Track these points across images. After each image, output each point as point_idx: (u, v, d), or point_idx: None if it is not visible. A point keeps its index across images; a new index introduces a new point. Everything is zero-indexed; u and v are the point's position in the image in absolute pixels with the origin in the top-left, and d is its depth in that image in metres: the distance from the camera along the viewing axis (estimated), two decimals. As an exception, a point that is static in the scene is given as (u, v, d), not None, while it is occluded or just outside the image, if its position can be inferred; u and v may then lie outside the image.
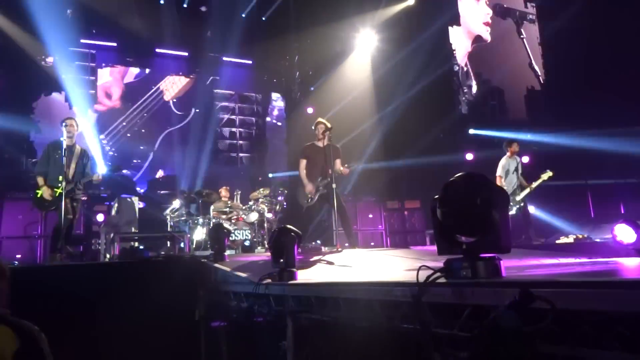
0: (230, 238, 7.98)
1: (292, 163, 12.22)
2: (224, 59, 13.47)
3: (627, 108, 9.99)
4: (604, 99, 10.56)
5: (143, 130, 12.83)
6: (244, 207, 9.19)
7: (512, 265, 2.79)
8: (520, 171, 8.36)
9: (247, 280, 3.90)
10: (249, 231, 8.78)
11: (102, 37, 11.79)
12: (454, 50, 13.28)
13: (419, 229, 10.55)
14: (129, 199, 8.97)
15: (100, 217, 8.80)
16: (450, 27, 13.25)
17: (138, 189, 12.09)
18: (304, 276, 3.48)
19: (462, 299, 1.87)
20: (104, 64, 12.23)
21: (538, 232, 8.30)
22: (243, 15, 12.81)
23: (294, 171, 9.56)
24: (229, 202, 9.38)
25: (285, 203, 9.84)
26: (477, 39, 13.76)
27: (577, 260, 3.56)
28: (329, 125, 6.89)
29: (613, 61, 10.90)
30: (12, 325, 2.01)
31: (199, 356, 5.15)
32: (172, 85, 13.34)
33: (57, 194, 6.14)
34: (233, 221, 8.81)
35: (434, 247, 2.26)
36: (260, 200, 9.17)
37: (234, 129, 13.78)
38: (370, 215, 10.41)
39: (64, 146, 6.21)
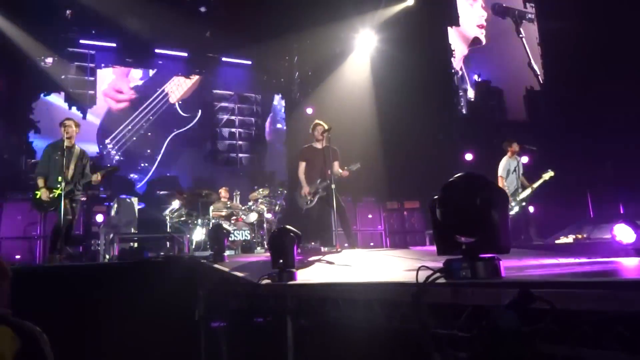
0: (230, 238, 7.99)
1: (291, 164, 12.22)
2: (223, 59, 13.47)
3: (627, 108, 10.00)
4: (603, 98, 10.57)
5: (149, 134, 12.81)
6: (243, 208, 9.20)
7: (512, 265, 2.79)
8: (521, 171, 8.36)
9: (247, 281, 3.90)
10: (249, 231, 8.78)
11: (101, 38, 11.79)
12: (453, 50, 13.29)
13: (418, 229, 10.56)
14: (128, 200, 8.97)
15: (99, 218, 8.80)
16: (449, 28, 13.26)
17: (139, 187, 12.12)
18: (303, 277, 3.48)
19: (462, 299, 1.87)
20: (103, 65, 12.22)
21: (538, 232, 8.30)
22: (242, 16, 12.79)
23: (293, 172, 9.57)
24: (229, 202, 9.38)
25: (284, 203, 9.85)
26: (473, 42, 13.78)
27: (577, 260, 3.57)
28: (326, 126, 6.88)
29: (613, 61, 10.90)
30: (14, 326, 2.01)
31: (199, 356, 5.15)
32: (178, 87, 13.31)
33: (56, 195, 6.14)
34: (232, 221, 8.81)
35: (434, 248, 2.26)
36: (260, 200, 9.17)
37: (233, 130, 13.78)
38: (370, 216, 10.42)
39: (64, 147, 6.20)
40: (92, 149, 10.91)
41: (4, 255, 7.52)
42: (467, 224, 1.98)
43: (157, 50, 12.63)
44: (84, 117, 11.29)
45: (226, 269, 4.65)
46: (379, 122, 12.03)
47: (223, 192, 9.46)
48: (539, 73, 14.15)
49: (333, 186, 6.42)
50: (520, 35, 14.38)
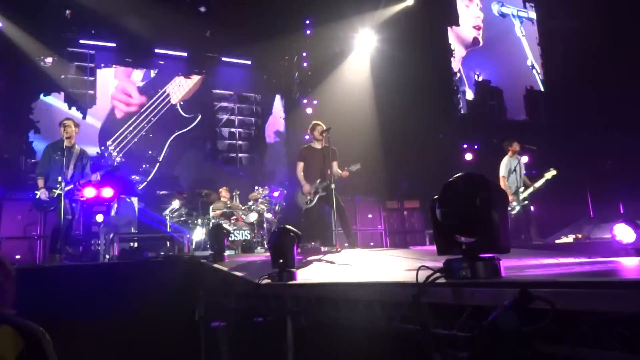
0: (230, 238, 7.98)
1: (291, 164, 12.22)
2: (223, 59, 13.46)
3: (627, 107, 10.00)
4: (603, 98, 10.57)
5: (150, 135, 12.80)
6: (243, 208, 9.20)
7: (512, 265, 2.79)
8: (523, 170, 8.36)
9: (247, 281, 3.90)
10: (249, 231, 8.78)
11: (101, 38, 11.77)
12: (453, 50, 13.30)
13: (418, 229, 10.55)
14: (128, 200, 8.96)
15: (99, 218, 8.80)
16: (453, 28, 13.29)
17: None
18: (303, 276, 3.48)
19: (462, 299, 1.87)
20: (102, 65, 12.19)
21: (538, 232, 8.30)
22: (242, 16, 12.79)
23: (293, 172, 9.57)
24: (229, 202, 9.38)
25: (284, 203, 9.85)
26: (470, 44, 13.80)
27: (577, 260, 3.57)
28: (324, 126, 6.89)
29: (612, 61, 10.91)
30: (17, 327, 2.01)
31: (199, 356, 5.15)
32: (179, 88, 13.29)
33: (55, 195, 6.14)
34: (232, 221, 8.81)
35: (434, 247, 2.26)
36: (260, 200, 9.17)
37: (233, 129, 13.76)
38: (370, 215, 10.41)
39: (63, 147, 6.20)
40: (93, 150, 10.89)
41: (4, 255, 7.52)
42: (467, 224, 1.98)
43: (157, 50, 12.61)
44: (84, 117, 11.28)
45: (226, 269, 4.65)
46: (379, 121, 12.03)
47: (224, 192, 9.47)
48: (539, 71, 14.17)
49: (333, 186, 6.42)
50: (522, 34, 14.41)
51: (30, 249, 7.93)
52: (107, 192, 8.20)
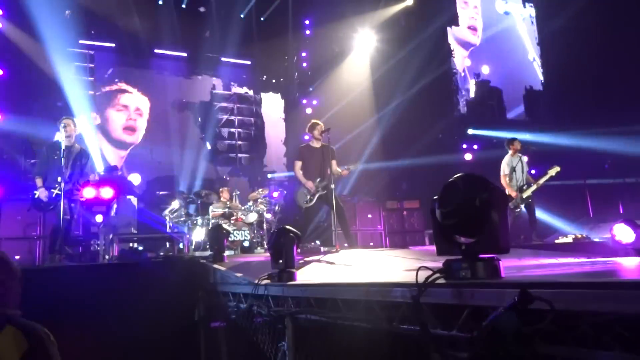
0: (230, 239, 7.99)
1: (291, 164, 12.23)
2: (223, 59, 13.47)
3: (626, 107, 10.01)
4: (603, 98, 10.58)
5: (151, 135, 12.85)
6: (243, 208, 9.20)
7: (512, 265, 2.79)
8: (526, 168, 8.37)
9: (247, 281, 3.90)
10: (248, 232, 8.78)
11: (100, 38, 11.78)
12: (453, 50, 13.32)
13: (418, 229, 10.55)
14: (127, 200, 8.96)
15: (99, 218, 8.78)
16: (448, 28, 13.30)
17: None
18: (303, 277, 3.48)
19: (462, 299, 1.87)
20: (102, 64, 12.17)
21: (538, 232, 8.30)
22: (242, 16, 12.81)
23: (292, 172, 9.58)
24: (228, 202, 9.38)
25: (284, 203, 9.85)
26: (467, 44, 13.84)
27: (576, 260, 3.57)
28: (323, 126, 6.91)
29: (612, 60, 10.91)
30: (22, 327, 2.01)
31: (199, 356, 5.15)
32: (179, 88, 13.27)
33: (53, 195, 6.13)
34: (232, 222, 8.81)
35: (433, 247, 2.26)
36: (259, 200, 9.17)
37: (232, 130, 13.77)
38: (370, 216, 10.41)
39: (62, 147, 6.18)
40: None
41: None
42: (466, 225, 1.98)
43: (156, 50, 12.62)
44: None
45: (226, 269, 4.65)
46: (379, 121, 12.05)
47: (225, 192, 9.46)
48: (539, 63, 14.20)
49: (332, 186, 6.43)
50: (522, 31, 14.46)
51: (29, 250, 7.92)
52: (107, 193, 8.19)
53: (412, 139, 11.13)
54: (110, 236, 7.84)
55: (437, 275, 1.98)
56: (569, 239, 7.93)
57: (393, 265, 4.27)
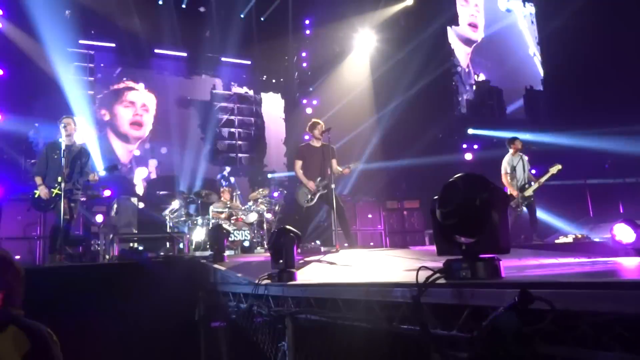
0: (230, 238, 7.99)
1: (291, 163, 12.23)
2: (223, 59, 13.47)
3: (626, 107, 10.01)
4: (603, 98, 10.58)
5: (151, 135, 12.89)
6: (243, 208, 9.20)
7: (512, 265, 2.79)
8: (527, 167, 8.38)
9: (247, 281, 3.90)
10: (248, 232, 8.78)
11: (100, 38, 11.78)
12: (454, 50, 13.33)
13: (418, 229, 10.55)
14: (128, 200, 8.96)
15: (99, 218, 8.79)
16: (449, 28, 13.31)
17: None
18: (303, 277, 3.48)
19: (462, 299, 1.87)
20: (102, 65, 12.17)
21: (538, 232, 8.30)
22: (242, 16, 12.82)
23: (292, 171, 9.58)
24: (228, 202, 9.38)
25: (284, 203, 9.85)
26: (469, 41, 13.88)
27: (577, 260, 3.57)
28: (324, 125, 6.91)
29: (612, 60, 10.91)
30: (24, 327, 2.01)
31: (199, 356, 5.15)
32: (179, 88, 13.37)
33: (53, 194, 6.11)
34: (232, 222, 8.81)
35: (433, 247, 2.26)
36: (260, 200, 9.17)
37: (233, 130, 13.77)
38: (370, 216, 10.41)
39: (63, 146, 6.16)
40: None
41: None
42: (467, 225, 1.98)
43: (156, 50, 12.62)
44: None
45: (226, 269, 4.65)
46: (379, 121, 12.05)
47: (226, 193, 9.45)
48: (540, 59, 14.24)
49: (333, 186, 6.43)
50: (523, 26, 14.49)
51: (30, 250, 7.93)
52: (105, 192, 8.21)
53: (412, 139, 11.13)
54: (111, 236, 7.84)
55: (438, 275, 1.98)
56: (569, 239, 7.93)
57: (393, 265, 4.27)
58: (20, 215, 7.92)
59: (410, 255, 5.01)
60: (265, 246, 8.22)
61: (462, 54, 13.64)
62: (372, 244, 10.08)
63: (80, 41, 11.31)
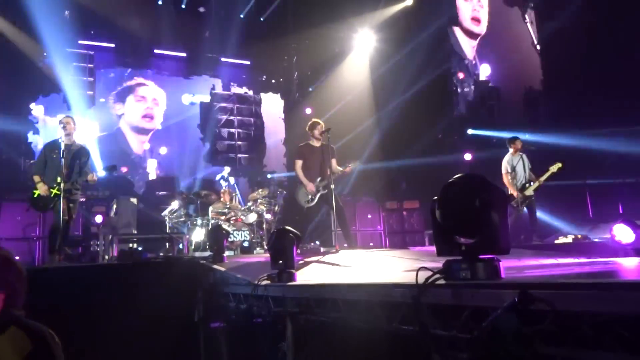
0: (229, 239, 7.98)
1: (291, 164, 12.23)
2: (223, 59, 13.47)
3: (626, 107, 10.01)
4: (602, 98, 10.58)
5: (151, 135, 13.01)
6: (242, 208, 9.19)
7: (511, 265, 2.79)
8: (528, 166, 8.38)
9: (246, 282, 3.90)
10: (248, 232, 8.77)
11: (100, 38, 11.77)
12: (460, 42, 13.42)
13: (417, 229, 10.55)
14: (127, 200, 8.95)
15: (98, 219, 8.78)
16: (454, 26, 13.42)
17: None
18: (303, 277, 3.48)
19: (462, 300, 1.87)
20: (102, 65, 12.18)
21: (538, 232, 8.30)
22: (242, 16, 12.81)
23: (292, 172, 9.57)
24: (228, 203, 9.37)
25: (283, 203, 9.85)
26: (472, 34, 13.96)
27: (576, 260, 3.57)
28: (324, 125, 6.90)
29: (612, 60, 10.91)
30: (26, 328, 2.00)
31: (199, 357, 5.14)
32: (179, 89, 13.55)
33: (52, 194, 6.09)
34: (232, 222, 8.80)
35: (433, 248, 2.26)
36: (259, 201, 9.16)
37: (232, 130, 13.76)
38: (369, 216, 10.41)
39: (62, 146, 6.14)
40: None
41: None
42: (466, 225, 1.98)
43: (155, 51, 12.62)
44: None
45: (225, 270, 4.65)
46: (378, 121, 12.05)
47: (226, 194, 9.44)
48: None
49: (332, 186, 6.42)
50: (526, 21, 14.53)
51: (29, 250, 7.92)
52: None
53: (412, 139, 11.13)
54: (110, 237, 7.84)
55: (437, 275, 1.98)
56: (569, 239, 7.92)
57: (393, 266, 4.27)
58: (20, 215, 7.91)
59: (409, 255, 5.01)
60: (265, 247, 8.21)
61: (468, 47, 13.77)
62: (371, 244, 10.07)
63: (80, 41, 11.30)
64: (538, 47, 14.41)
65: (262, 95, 14.32)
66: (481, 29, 14.06)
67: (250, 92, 14.23)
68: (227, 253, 5.66)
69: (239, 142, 13.75)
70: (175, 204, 9.09)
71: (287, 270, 3.38)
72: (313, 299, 2.96)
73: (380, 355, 2.61)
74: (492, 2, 14.31)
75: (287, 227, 3.55)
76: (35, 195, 6.17)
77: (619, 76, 10.56)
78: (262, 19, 13.08)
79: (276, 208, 9.59)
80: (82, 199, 8.02)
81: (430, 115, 11.73)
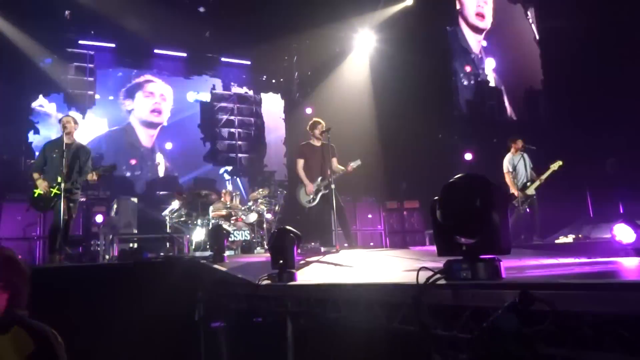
0: (230, 239, 7.98)
1: (291, 164, 12.22)
2: (223, 59, 13.46)
3: (626, 107, 10.00)
4: (602, 98, 10.57)
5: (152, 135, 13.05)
6: (243, 208, 9.19)
7: (512, 265, 2.79)
8: (530, 165, 8.38)
9: (247, 282, 3.89)
10: (248, 232, 8.77)
11: (100, 38, 11.77)
12: (466, 37, 13.48)
13: (418, 229, 10.55)
14: (128, 200, 8.95)
15: (99, 218, 8.79)
16: (459, 17, 13.51)
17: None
18: (303, 277, 3.48)
19: (462, 300, 1.87)
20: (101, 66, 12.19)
21: (539, 232, 8.29)
22: (241, 16, 12.80)
23: (292, 172, 9.56)
24: (228, 202, 9.37)
25: (283, 203, 9.84)
26: (477, 29, 14.06)
27: (577, 260, 3.57)
28: (324, 125, 6.90)
29: (612, 60, 10.90)
30: (29, 328, 2.00)
31: (199, 357, 5.14)
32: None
33: (52, 194, 6.07)
34: (232, 222, 8.80)
35: (433, 248, 2.26)
36: (260, 200, 9.16)
37: (232, 130, 13.77)
38: (370, 216, 10.41)
39: (63, 146, 6.12)
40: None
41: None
42: (467, 225, 1.98)
43: (156, 51, 12.62)
44: (83, 118, 11.28)
45: (226, 269, 4.65)
46: (378, 121, 12.03)
47: (227, 195, 9.44)
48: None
49: (333, 186, 6.42)
50: (528, 17, 14.58)
51: (29, 250, 7.92)
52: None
53: (412, 139, 11.12)
54: (110, 236, 7.84)
55: (438, 276, 1.98)
56: (569, 239, 7.91)
57: (393, 266, 4.27)
58: (20, 215, 7.91)
59: (410, 255, 5.01)
60: (265, 246, 8.21)
61: (474, 42, 13.97)
62: (372, 244, 10.07)
63: (80, 41, 11.30)
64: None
65: (263, 95, 14.32)
66: (486, 24, 14.23)
67: (251, 92, 14.22)
68: (227, 253, 5.66)
69: (240, 142, 13.75)
70: (175, 204, 9.09)
71: (287, 270, 3.38)
72: (313, 299, 2.96)
73: (380, 355, 2.61)
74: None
75: (288, 227, 3.55)
76: (36, 195, 6.15)
77: (619, 76, 10.55)
78: (262, 19, 13.06)
79: (276, 208, 9.59)
80: (83, 199, 8.02)
81: (430, 115, 11.72)
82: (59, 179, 5.99)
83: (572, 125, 10.82)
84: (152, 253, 7.83)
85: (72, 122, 6.43)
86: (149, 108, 13.25)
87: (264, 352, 3.75)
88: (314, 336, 3.13)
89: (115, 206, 8.78)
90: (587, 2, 11.04)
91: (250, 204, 9.18)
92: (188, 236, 8.45)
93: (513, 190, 8.12)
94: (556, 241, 8.02)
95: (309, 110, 13.12)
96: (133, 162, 12.37)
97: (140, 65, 12.79)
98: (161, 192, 11.64)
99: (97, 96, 12.05)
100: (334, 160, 6.77)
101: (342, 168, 6.76)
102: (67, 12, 10.56)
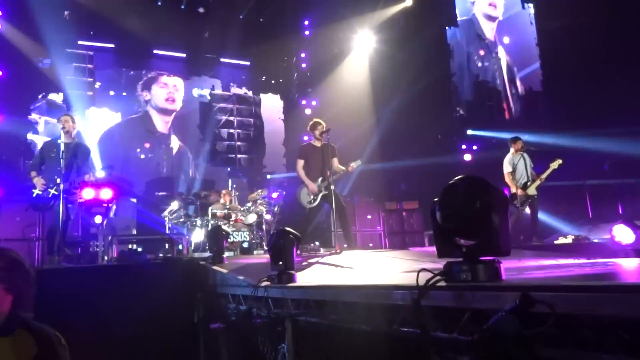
0: (229, 240, 7.96)
1: (290, 164, 12.23)
2: (222, 60, 13.46)
3: (626, 107, 10.01)
4: (602, 98, 10.58)
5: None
6: (242, 209, 9.18)
7: (512, 266, 2.78)
8: (530, 165, 8.39)
9: (246, 283, 3.89)
10: (248, 233, 8.76)
11: (99, 39, 11.77)
12: (480, 23, 13.90)
13: (417, 230, 10.54)
14: (127, 201, 8.94)
15: (98, 219, 8.76)
16: (473, 5, 13.71)
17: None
18: (303, 279, 3.47)
19: (462, 302, 1.86)
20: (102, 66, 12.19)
21: (539, 233, 8.30)
22: (241, 17, 12.80)
23: (292, 172, 9.55)
24: (228, 203, 9.36)
25: (283, 204, 9.83)
26: (490, 18, 14.30)
27: (577, 261, 3.56)
28: (325, 125, 6.90)
29: (612, 60, 10.91)
30: (33, 331, 1.99)
31: (198, 358, 5.14)
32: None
33: (50, 195, 6.06)
34: (231, 223, 8.79)
35: (433, 249, 2.25)
36: (259, 201, 9.15)
37: (232, 130, 13.76)
38: (369, 216, 10.40)
39: (62, 147, 6.10)
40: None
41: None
42: (467, 227, 1.97)
43: (155, 51, 12.62)
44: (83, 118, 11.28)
45: (225, 271, 4.64)
46: (378, 122, 12.04)
47: (226, 195, 9.42)
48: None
49: (332, 187, 6.42)
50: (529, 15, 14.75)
51: (28, 251, 7.89)
52: (106, 194, 8.17)
53: (412, 140, 11.13)
54: (110, 237, 7.82)
55: (438, 277, 1.97)
56: (569, 240, 7.92)
57: (393, 267, 4.26)
58: (19, 216, 7.88)
59: (409, 256, 5.00)
60: (265, 247, 8.20)
61: (488, 28, 14.38)
62: (371, 245, 10.06)
63: (80, 42, 11.29)
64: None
65: (262, 95, 14.31)
66: (497, 12, 14.64)
67: (250, 93, 14.22)
68: (226, 254, 5.65)
69: (239, 143, 13.75)
70: (174, 205, 9.07)
71: (287, 271, 3.37)
72: (313, 301, 2.95)
73: (380, 357, 2.60)
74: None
75: (287, 228, 3.54)
76: (34, 196, 6.14)
77: (618, 76, 10.56)
78: (261, 20, 13.07)
79: (276, 209, 9.58)
80: (81, 200, 8.00)
81: (430, 116, 11.73)
82: (57, 180, 5.97)
83: (572, 125, 10.82)
84: (151, 254, 7.82)
85: (71, 120, 6.40)
86: (164, 97, 13.85)
87: (263, 354, 3.74)
88: (314, 338, 3.12)
89: (114, 207, 8.76)
90: (587, 2, 11.04)
91: (249, 204, 9.16)
92: (187, 237, 8.44)
93: (514, 190, 8.13)
94: (556, 242, 8.03)
95: (308, 111, 13.13)
96: (147, 145, 12.98)
97: (139, 65, 12.78)
98: (160, 193, 11.63)
99: (111, 92, 12.64)
100: (335, 161, 6.78)
101: (343, 168, 6.77)
102: (66, 13, 10.56)
